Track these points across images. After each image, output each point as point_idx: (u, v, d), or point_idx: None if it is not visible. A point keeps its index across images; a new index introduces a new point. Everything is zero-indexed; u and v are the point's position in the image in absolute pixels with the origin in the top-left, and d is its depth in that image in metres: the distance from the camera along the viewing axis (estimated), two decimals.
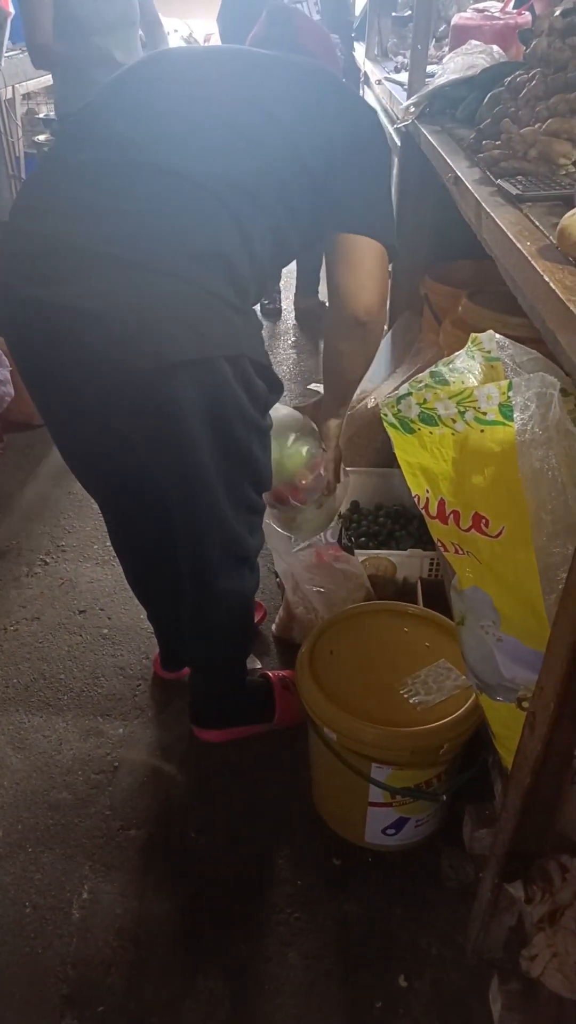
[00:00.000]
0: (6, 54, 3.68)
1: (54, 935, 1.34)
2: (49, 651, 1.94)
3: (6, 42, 3.61)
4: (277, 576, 1.95)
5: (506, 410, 0.84)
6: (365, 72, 2.87)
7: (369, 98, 2.82)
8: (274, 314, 3.88)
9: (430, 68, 1.91)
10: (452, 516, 0.94)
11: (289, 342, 3.66)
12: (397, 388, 0.97)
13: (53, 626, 2.01)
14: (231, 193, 1.11)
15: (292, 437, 1.56)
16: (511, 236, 0.93)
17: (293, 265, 3.61)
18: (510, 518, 0.88)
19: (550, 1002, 0.96)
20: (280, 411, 1.61)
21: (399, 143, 1.98)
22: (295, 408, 1.61)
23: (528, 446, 0.84)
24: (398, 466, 0.98)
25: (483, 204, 1.08)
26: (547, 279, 0.79)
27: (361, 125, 1.22)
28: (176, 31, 8.65)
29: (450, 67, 1.66)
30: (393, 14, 2.87)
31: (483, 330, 1.04)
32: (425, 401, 0.89)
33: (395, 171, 2.03)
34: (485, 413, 0.85)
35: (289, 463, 1.57)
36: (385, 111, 2.20)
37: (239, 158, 1.13)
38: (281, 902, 1.38)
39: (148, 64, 1.25)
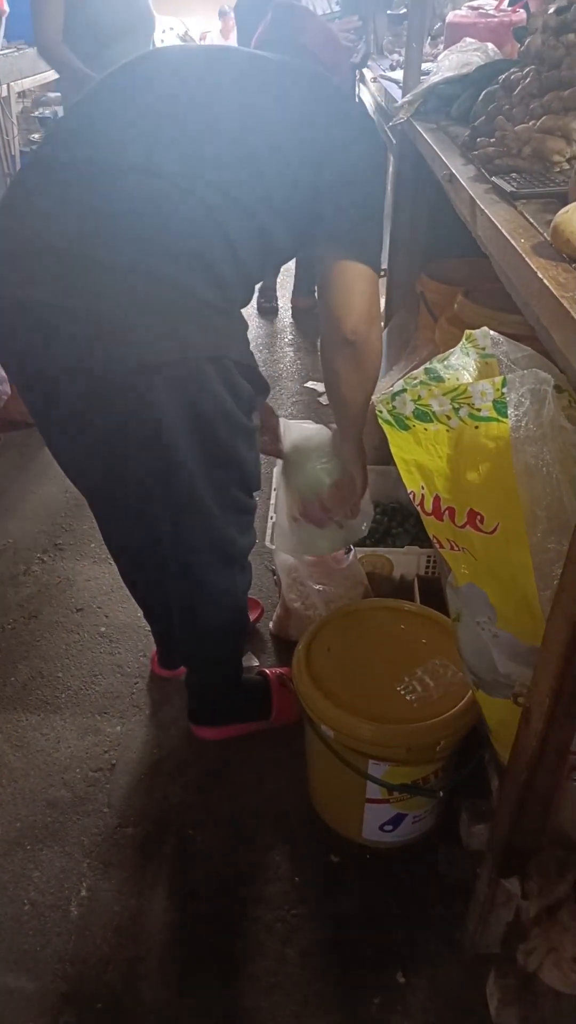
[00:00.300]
0: (1, 52, 3.68)
1: (52, 932, 1.34)
2: (47, 649, 1.94)
3: (1, 40, 3.61)
4: (275, 574, 1.95)
5: (500, 406, 0.84)
6: (360, 70, 2.87)
7: (364, 96, 2.82)
8: (271, 312, 3.88)
9: (425, 66, 1.91)
10: (447, 512, 0.95)
11: (286, 340, 3.66)
12: (393, 385, 0.97)
13: (50, 624, 2.01)
14: (214, 196, 1.10)
15: (319, 457, 1.57)
16: (505, 233, 0.94)
17: (292, 263, 3.61)
18: (505, 514, 0.89)
19: (547, 997, 0.96)
20: (308, 429, 1.62)
21: (394, 141, 1.99)
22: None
23: (522, 442, 0.85)
24: (394, 463, 0.98)
25: (478, 201, 1.08)
26: (541, 276, 0.80)
27: (354, 139, 1.20)
28: (172, 29, 8.65)
29: (445, 65, 1.67)
30: (388, 12, 2.87)
31: (478, 327, 1.04)
32: (420, 398, 0.89)
33: (390, 169, 2.03)
34: (479, 409, 0.85)
35: (314, 483, 1.59)
36: (380, 109, 2.20)
37: (224, 162, 1.12)
38: (279, 899, 1.38)
39: (138, 64, 1.24)
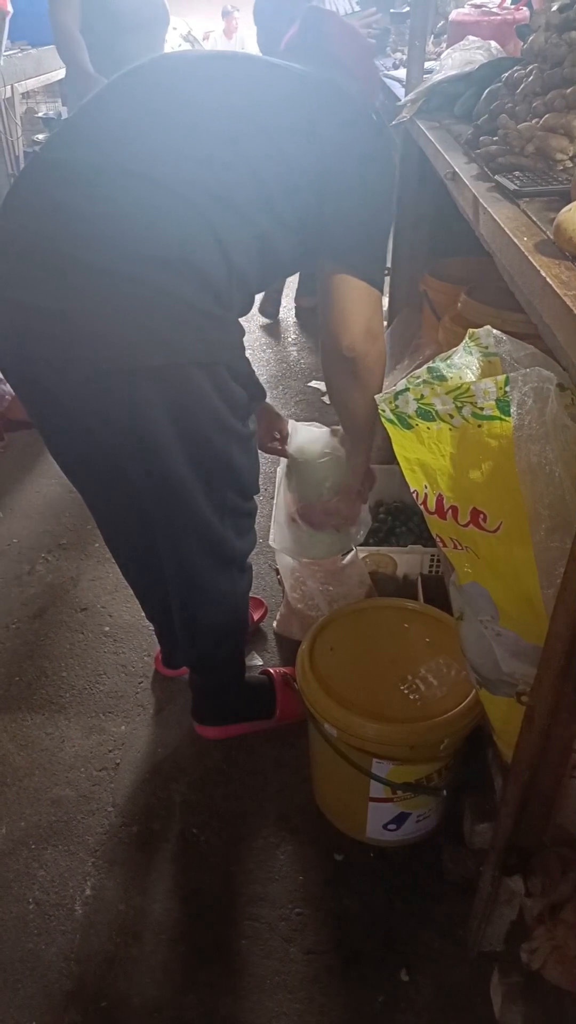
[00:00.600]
0: (5, 53, 3.68)
1: (57, 931, 1.35)
2: (51, 649, 1.94)
3: (5, 41, 3.61)
4: (278, 573, 1.95)
5: (503, 405, 0.84)
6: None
7: None
8: (273, 312, 3.87)
9: (428, 64, 1.91)
10: (450, 511, 0.94)
11: (289, 339, 3.66)
12: (396, 384, 0.97)
13: (55, 624, 2.02)
14: (210, 203, 1.09)
15: (322, 461, 1.58)
16: (508, 232, 0.93)
17: None
18: (508, 513, 0.89)
19: (551, 995, 0.96)
20: (315, 432, 1.63)
21: (397, 140, 1.98)
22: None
23: (525, 441, 0.85)
24: (397, 462, 0.98)
25: (480, 200, 1.08)
26: (544, 274, 0.79)
27: (364, 155, 1.18)
28: (175, 28, 8.65)
29: (448, 63, 1.67)
30: (391, 10, 2.87)
31: (481, 326, 1.04)
32: (422, 397, 0.89)
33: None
34: (482, 408, 0.85)
35: (315, 487, 1.59)
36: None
37: (223, 169, 1.10)
38: (283, 898, 1.38)
39: (146, 68, 1.22)
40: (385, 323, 1.34)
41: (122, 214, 1.07)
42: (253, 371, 1.26)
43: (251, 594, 1.60)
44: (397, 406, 0.92)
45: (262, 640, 1.94)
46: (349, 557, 1.79)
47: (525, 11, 1.80)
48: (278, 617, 1.95)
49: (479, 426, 0.86)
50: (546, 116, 1.17)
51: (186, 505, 1.27)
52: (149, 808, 1.55)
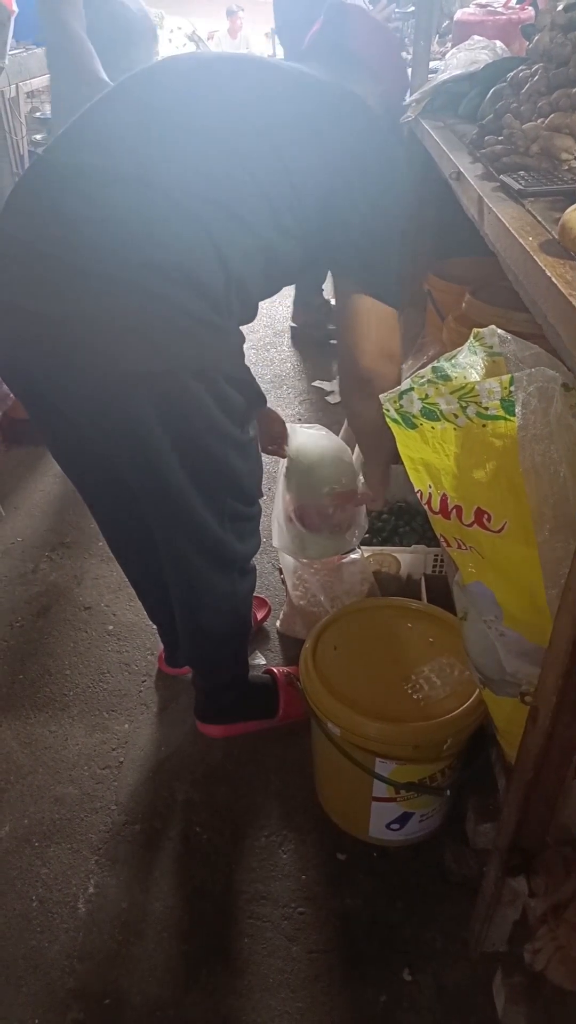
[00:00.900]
0: (10, 52, 3.68)
1: (61, 929, 1.35)
2: (55, 647, 1.94)
3: (10, 40, 3.61)
4: (281, 572, 1.96)
5: (508, 405, 0.84)
6: None
7: None
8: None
9: (433, 64, 1.90)
10: (454, 511, 0.95)
11: (292, 338, 3.66)
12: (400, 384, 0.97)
13: (59, 622, 2.02)
14: (210, 210, 1.08)
15: (320, 463, 1.59)
16: (513, 231, 0.93)
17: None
18: (512, 513, 0.88)
19: (554, 995, 0.96)
20: (314, 435, 1.63)
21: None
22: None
23: (530, 441, 0.85)
24: (401, 462, 0.98)
25: (485, 199, 1.08)
26: (549, 274, 0.79)
27: (374, 168, 1.15)
28: (180, 28, 8.66)
29: (453, 63, 1.66)
30: (396, 10, 2.86)
31: (486, 326, 1.04)
32: (427, 396, 0.89)
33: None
34: (487, 408, 0.85)
35: (312, 489, 1.60)
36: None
37: (225, 178, 1.09)
38: (285, 897, 1.38)
39: (153, 71, 1.20)
40: (397, 380, 1.32)
41: (119, 220, 1.06)
42: (253, 378, 1.24)
43: (254, 593, 1.61)
44: (401, 405, 0.92)
45: (265, 639, 1.94)
46: (350, 556, 1.79)
47: (530, 11, 1.80)
48: (281, 616, 1.95)
49: (483, 426, 0.86)
50: (551, 116, 1.17)
51: (184, 511, 1.26)
52: (152, 806, 1.55)
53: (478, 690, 1.21)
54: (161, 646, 1.84)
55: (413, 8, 2.18)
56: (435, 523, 0.99)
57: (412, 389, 0.91)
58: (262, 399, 1.30)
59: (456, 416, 0.88)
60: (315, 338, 3.54)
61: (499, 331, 1.01)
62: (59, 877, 1.43)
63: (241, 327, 1.21)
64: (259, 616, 1.95)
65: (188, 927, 1.35)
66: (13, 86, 3.76)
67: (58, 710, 1.77)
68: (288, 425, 1.65)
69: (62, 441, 1.33)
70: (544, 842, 0.98)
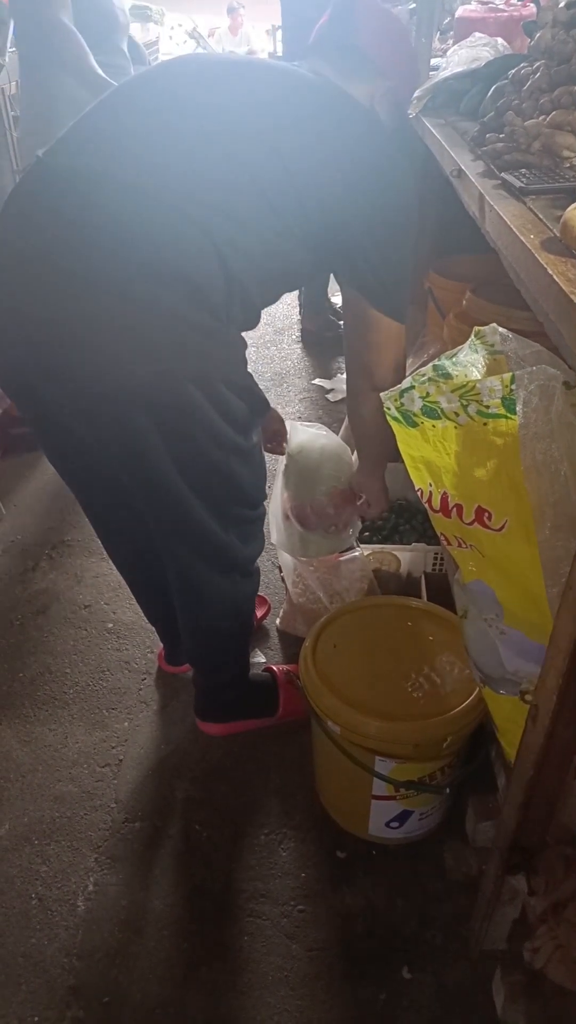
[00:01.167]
0: (10, 49, 3.67)
1: (60, 927, 1.35)
2: (54, 645, 1.94)
3: (11, 37, 3.60)
4: (280, 570, 1.95)
5: (509, 403, 0.84)
6: None
7: None
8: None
9: (434, 61, 1.90)
10: (455, 510, 0.94)
11: (293, 337, 3.66)
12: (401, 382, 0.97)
13: (59, 620, 2.02)
14: (212, 216, 1.06)
15: (318, 463, 1.60)
16: (514, 229, 0.93)
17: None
18: (513, 512, 0.88)
19: (553, 994, 0.96)
20: (313, 434, 1.63)
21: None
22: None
23: (531, 439, 0.84)
24: (402, 460, 0.98)
25: (486, 197, 1.07)
26: (550, 272, 0.79)
27: (373, 177, 1.14)
28: (180, 25, 8.66)
29: (454, 60, 1.66)
30: (398, 7, 2.86)
31: (487, 324, 1.04)
32: (428, 395, 0.89)
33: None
34: (488, 406, 0.85)
35: (309, 488, 1.61)
36: None
37: (227, 183, 1.07)
38: (285, 894, 1.39)
39: (158, 74, 1.18)
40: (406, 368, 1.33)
41: (118, 225, 1.05)
42: (255, 384, 1.23)
43: None
44: (402, 404, 0.92)
45: (265, 637, 1.94)
46: (350, 554, 1.79)
47: (532, 7, 1.79)
48: (281, 614, 1.95)
49: (484, 424, 0.86)
50: (553, 113, 1.16)
51: (185, 519, 1.26)
52: (152, 804, 1.55)
53: (478, 688, 1.21)
54: (161, 645, 1.84)
55: (414, 5, 2.18)
56: (435, 521, 0.99)
57: (413, 387, 0.90)
58: (265, 405, 1.29)
59: (457, 414, 0.88)
60: (327, 339, 3.55)
61: (500, 329, 1.01)
62: (59, 875, 1.43)
63: (243, 333, 1.20)
64: (259, 614, 1.95)
65: (188, 925, 1.35)
66: (13, 83, 3.76)
67: (58, 708, 1.77)
68: (288, 423, 1.65)
69: (59, 446, 1.32)
70: (544, 841, 0.98)
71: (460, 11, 1.92)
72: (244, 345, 1.20)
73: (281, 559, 1.88)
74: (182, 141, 1.08)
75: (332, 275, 1.39)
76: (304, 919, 1.35)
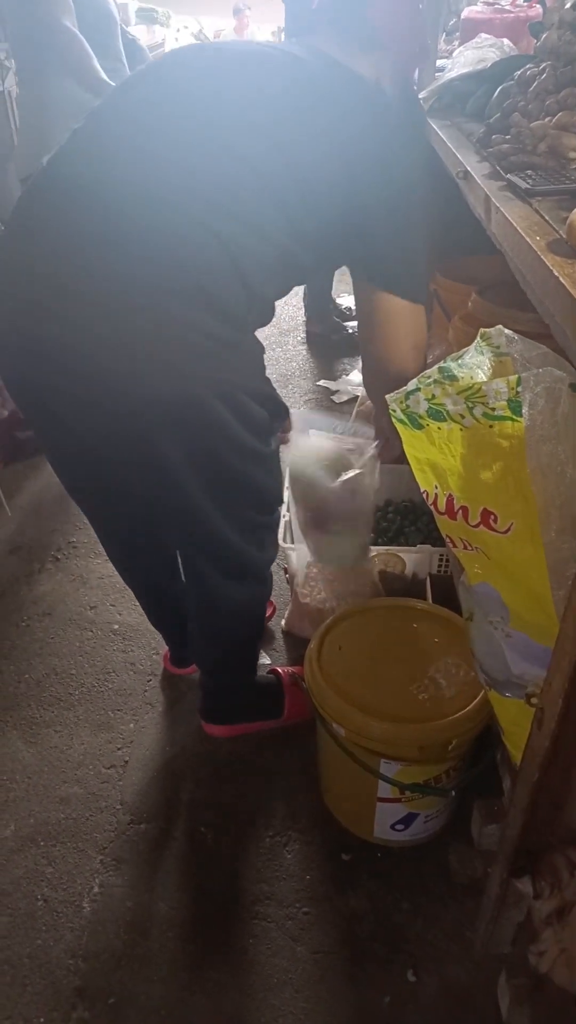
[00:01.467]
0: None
1: (66, 928, 1.35)
2: (60, 647, 1.95)
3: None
4: (286, 571, 1.95)
5: (515, 405, 0.83)
6: None
7: None
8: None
9: (440, 62, 1.90)
10: (461, 512, 0.94)
11: (298, 339, 3.66)
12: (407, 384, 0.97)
13: (64, 622, 2.03)
14: (225, 223, 1.04)
15: (321, 471, 1.58)
16: (520, 231, 0.93)
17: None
18: (519, 514, 0.88)
19: (558, 997, 0.96)
20: (309, 443, 1.62)
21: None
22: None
23: (537, 441, 0.84)
24: (407, 462, 0.98)
25: (492, 199, 1.07)
26: (556, 274, 0.79)
27: (391, 161, 1.11)
28: (186, 27, 8.66)
29: (460, 61, 1.66)
30: None
31: (492, 325, 1.03)
32: (433, 396, 0.89)
33: None
34: (494, 408, 0.85)
35: (317, 492, 1.59)
36: None
37: (241, 189, 1.05)
38: (290, 897, 1.38)
39: (159, 73, 1.15)
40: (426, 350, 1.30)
41: (133, 241, 1.03)
42: (274, 390, 1.23)
43: None
44: (408, 406, 0.91)
45: (270, 638, 1.94)
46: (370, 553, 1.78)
47: (538, 8, 1.79)
48: (286, 615, 1.95)
49: (490, 426, 0.86)
50: (559, 114, 1.16)
51: (205, 529, 1.25)
52: (157, 806, 1.55)
53: (484, 691, 1.20)
54: (166, 647, 1.84)
55: (421, 6, 2.18)
56: (441, 523, 0.99)
57: (418, 389, 0.90)
58: (285, 411, 1.28)
59: (463, 416, 0.88)
60: (332, 341, 3.54)
61: (506, 331, 1.01)
62: (64, 877, 1.43)
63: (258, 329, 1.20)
64: (263, 624, 1.95)
65: (193, 927, 1.35)
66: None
67: (63, 710, 1.77)
68: (293, 412, 1.65)
69: (71, 462, 1.30)
70: (550, 844, 0.98)
71: (466, 12, 1.92)
72: (262, 350, 1.19)
73: (288, 560, 1.88)
74: (190, 150, 1.06)
75: (341, 270, 1.39)
76: (309, 921, 1.35)
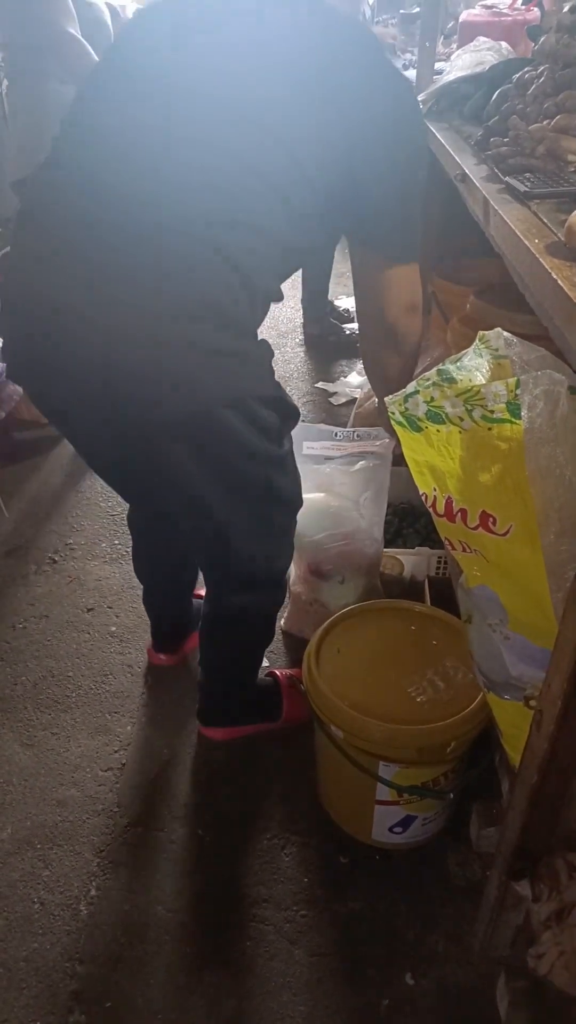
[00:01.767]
0: None
1: (63, 931, 1.35)
2: (57, 649, 1.94)
3: None
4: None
5: (514, 408, 0.83)
6: None
7: None
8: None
9: (438, 65, 1.90)
10: (459, 514, 0.94)
11: (296, 341, 3.65)
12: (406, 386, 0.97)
13: (61, 624, 2.02)
14: (227, 233, 1.03)
15: (320, 524, 1.66)
16: (519, 233, 0.93)
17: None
18: (517, 516, 0.88)
19: (557, 1000, 0.96)
20: (311, 499, 1.64)
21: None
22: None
23: (536, 444, 0.84)
24: (406, 464, 0.98)
25: (491, 201, 1.07)
26: (555, 276, 0.79)
27: (389, 127, 1.09)
28: None
29: (458, 64, 1.66)
30: (401, 11, 2.86)
31: (491, 328, 1.03)
32: (432, 399, 0.89)
33: None
34: (492, 411, 0.85)
35: (317, 544, 1.67)
36: None
37: (241, 191, 1.03)
38: (287, 899, 1.38)
39: (155, 69, 1.08)
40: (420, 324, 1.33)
41: (132, 266, 1.02)
42: (284, 393, 1.23)
43: None
44: (407, 408, 0.91)
45: None
46: None
47: (536, 12, 1.80)
48: (286, 615, 1.95)
49: (489, 429, 0.86)
50: (557, 117, 1.16)
51: (226, 536, 1.28)
52: (154, 809, 1.55)
53: (482, 693, 1.20)
54: (150, 640, 1.86)
55: (418, 9, 2.18)
56: (440, 526, 0.99)
57: (417, 392, 0.90)
58: (296, 412, 1.28)
59: (462, 419, 0.88)
60: (330, 343, 3.54)
61: (505, 333, 1.01)
62: (61, 879, 1.43)
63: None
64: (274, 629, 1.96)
65: (190, 930, 1.35)
66: None
67: (60, 712, 1.77)
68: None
69: (97, 461, 1.34)
70: (548, 847, 0.98)
71: (464, 15, 1.92)
72: (271, 354, 1.19)
73: None
74: (184, 150, 1.03)
75: (339, 273, 1.40)
76: (307, 924, 1.35)
